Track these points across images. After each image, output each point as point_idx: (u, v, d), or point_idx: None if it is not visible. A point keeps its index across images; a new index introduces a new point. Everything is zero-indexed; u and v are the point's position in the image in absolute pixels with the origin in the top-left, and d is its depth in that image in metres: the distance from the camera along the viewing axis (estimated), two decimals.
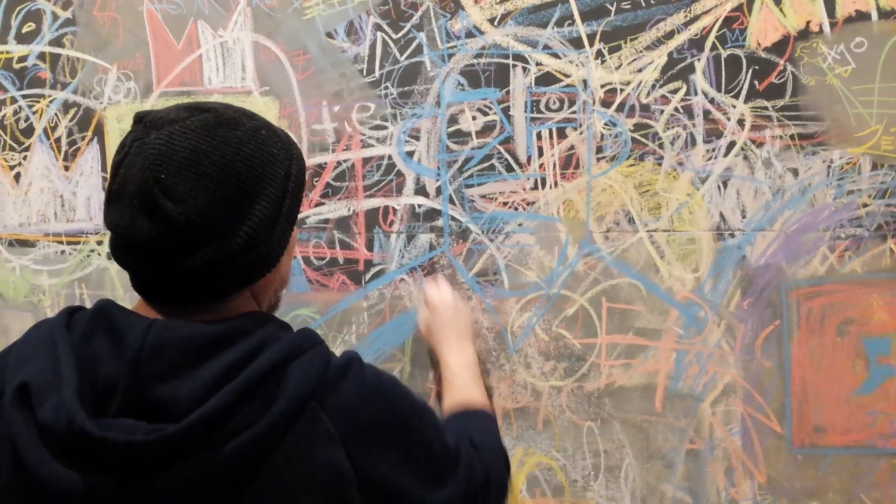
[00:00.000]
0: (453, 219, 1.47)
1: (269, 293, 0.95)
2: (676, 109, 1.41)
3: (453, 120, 1.46)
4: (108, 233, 1.48)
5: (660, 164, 1.42)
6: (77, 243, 1.59)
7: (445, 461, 0.94)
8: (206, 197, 0.80)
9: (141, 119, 0.84)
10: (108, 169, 0.85)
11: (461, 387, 1.24)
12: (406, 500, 0.88)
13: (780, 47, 1.38)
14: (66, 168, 1.58)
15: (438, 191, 1.47)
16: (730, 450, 1.42)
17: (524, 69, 1.44)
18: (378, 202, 1.49)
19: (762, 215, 1.40)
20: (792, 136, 1.39)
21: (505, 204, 1.46)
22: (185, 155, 0.80)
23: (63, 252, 1.59)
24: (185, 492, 0.77)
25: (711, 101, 1.40)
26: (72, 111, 1.57)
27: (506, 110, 1.45)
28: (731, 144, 1.40)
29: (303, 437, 0.81)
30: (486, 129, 1.46)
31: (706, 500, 1.43)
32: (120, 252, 0.84)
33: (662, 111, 1.41)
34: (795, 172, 1.39)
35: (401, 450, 0.88)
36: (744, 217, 1.41)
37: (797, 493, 1.41)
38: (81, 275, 1.59)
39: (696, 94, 1.40)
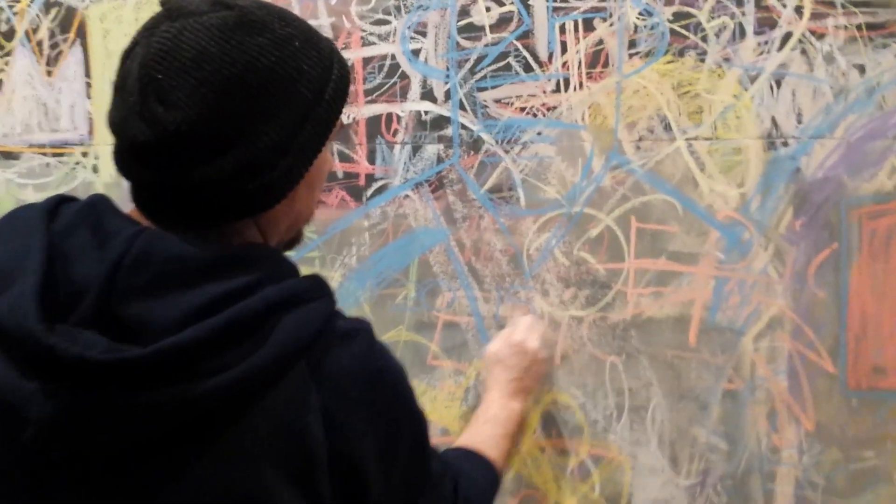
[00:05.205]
0: (464, 127, 1.40)
1: (280, 228, 0.87)
2: None
3: (464, 12, 1.38)
4: (92, 144, 1.51)
5: (702, 61, 1.34)
6: (61, 155, 1.55)
7: (420, 479, 0.89)
8: (202, 107, 0.72)
9: (163, 4, 0.77)
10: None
11: (489, 436, 1.19)
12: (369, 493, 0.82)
13: None
14: (49, 73, 1.53)
15: (447, 95, 1.40)
16: (773, 391, 1.36)
17: None
18: (380, 108, 1.42)
19: (821, 120, 1.32)
20: (859, 27, 1.30)
21: (522, 109, 1.39)
22: (189, 55, 0.72)
23: (48, 165, 1.55)
24: (134, 429, 0.70)
25: None
26: (53, 11, 1.51)
27: (524, 0, 1.37)
28: (787, 36, 1.32)
29: (282, 400, 0.74)
30: (502, 23, 1.38)
31: (744, 447, 1.37)
32: (116, 154, 0.79)
33: None
34: (862, 69, 1.31)
35: (383, 444, 0.81)
36: (800, 122, 1.33)
37: (850, 441, 1.34)
38: (66, 189, 1.54)
39: None
